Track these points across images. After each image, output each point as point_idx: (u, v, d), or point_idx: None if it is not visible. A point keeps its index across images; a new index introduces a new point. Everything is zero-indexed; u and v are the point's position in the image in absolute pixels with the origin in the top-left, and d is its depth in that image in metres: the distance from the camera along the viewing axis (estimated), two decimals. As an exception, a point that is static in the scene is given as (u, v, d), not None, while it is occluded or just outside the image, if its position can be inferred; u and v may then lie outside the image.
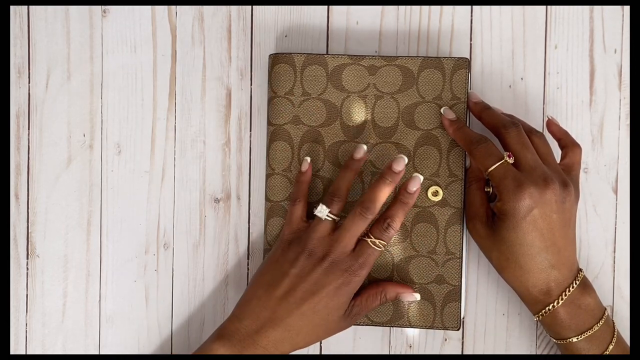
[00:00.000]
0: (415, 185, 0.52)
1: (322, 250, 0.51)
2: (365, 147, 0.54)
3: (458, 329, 0.54)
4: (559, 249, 0.50)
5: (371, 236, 0.51)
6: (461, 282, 0.55)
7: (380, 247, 0.51)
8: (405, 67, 0.55)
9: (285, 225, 0.54)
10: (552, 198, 0.49)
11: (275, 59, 0.55)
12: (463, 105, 0.54)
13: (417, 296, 0.54)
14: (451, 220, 0.55)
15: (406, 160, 0.52)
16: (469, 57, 0.58)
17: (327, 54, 0.57)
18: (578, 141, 0.57)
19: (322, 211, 0.52)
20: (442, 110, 0.54)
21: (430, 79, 0.55)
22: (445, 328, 0.55)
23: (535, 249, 0.49)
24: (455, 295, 0.54)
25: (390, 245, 0.55)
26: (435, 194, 0.55)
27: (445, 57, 0.55)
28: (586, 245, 0.57)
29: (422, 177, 0.52)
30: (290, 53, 0.55)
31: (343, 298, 0.51)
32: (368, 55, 0.55)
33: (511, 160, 0.50)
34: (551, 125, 0.54)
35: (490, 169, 0.50)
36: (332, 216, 0.52)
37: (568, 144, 0.54)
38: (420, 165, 0.55)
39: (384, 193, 0.51)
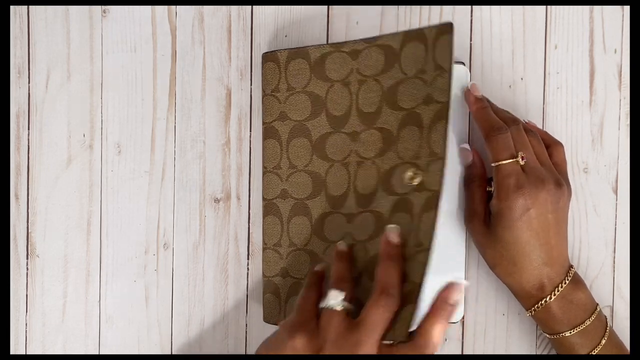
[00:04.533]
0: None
1: (341, 353, 0.45)
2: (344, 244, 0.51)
3: (407, 342, 0.46)
4: (552, 247, 0.51)
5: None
6: (423, 281, 0.46)
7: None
8: (387, 46, 0.52)
9: (296, 313, 0.49)
10: (548, 198, 0.50)
11: (264, 58, 0.56)
12: (448, 76, 0.48)
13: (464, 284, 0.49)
14: (426, 205, 0.48)
15: (399, 229, 0.48)
16: (470, 53, 0.57)
17: (309, 45, 0.56)
18: (578, 141, 0.57)
19: (335, 298, 0.47)
20: (468, 85, 0.54)
21: (413, 53, 0.50)
22: (393, 339, 0.46)
23: (530, 247, 0.51)
24: (412, 295, 0.46)
25: (367, 241, 0.51)
26: (414, 177, 0.50)
27: (427, 26, 0.50)
28: (586, 245, 0.58)
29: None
30: (275, 50, 0.55)
31: None
32: (350, 41, 0.54)
33: (523, 162, 0.51)
34: (531, 126, 0.55)
35: (499, 162, 0.51)
36: (346, 304, 0.47)
37: (551, 143, 0.55)
38: (403, 148, 0.51)
39: (396, 274, 0.47)
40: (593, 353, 0.51)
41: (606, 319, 0.53)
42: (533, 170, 0.51)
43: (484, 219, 0.53)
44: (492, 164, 0.52)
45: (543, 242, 0.51)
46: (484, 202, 0.54)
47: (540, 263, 0.51)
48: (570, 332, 0.51)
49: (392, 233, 0.48)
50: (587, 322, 0.51)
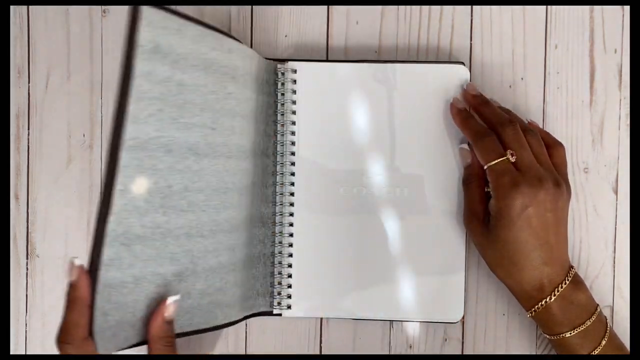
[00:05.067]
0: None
1: None
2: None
3: None
4: (552, 246, 0.51)
5: None
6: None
7: None
8: None
9: None
10: (546, 197, 0.51)
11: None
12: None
13: (175, 298, 0.48)
14: None
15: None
16: (470, 53, 0.57)
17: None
18: (578, 141, 0.57)
19: None
20: (452, 99, 0.56)
21: None
22: None
23: (530, 247, 0.51)
24: None
25: None
26: None
27: None
28: (586, 245, 0.58)
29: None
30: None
31: None
32: None
33: (513, 159, 0.51)
34: (533, 126, 0.56)
35: (490, 164, 0.52)
36: None
37: (551, 143, 0.55)
38: None
39: None
40: (593, 354, 0.51)
41: (606, 319, 0.53)
42: (530, 169, 0.51)
43: (483, 219, 0.54)
44: (485, 168, 0.52)
45: (542, 242, 0.51)
46: (483, 202, 0.54)
47: (539, 263, 0.51)
48: (570, 333, 0.52)
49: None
50: (588, 323, 0.52)
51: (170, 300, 0.47)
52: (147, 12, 0.43)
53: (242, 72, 0.52)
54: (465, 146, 0.56)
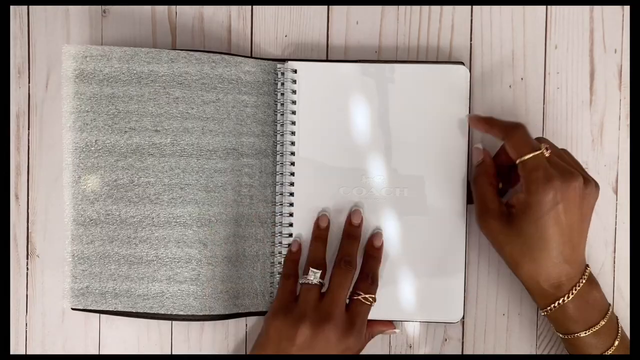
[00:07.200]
0: (379, 241, 0.56)
1: (319, 317, 0.52)
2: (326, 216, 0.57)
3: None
4: (574, 244, 0.51)
5: (361, 293, 0.54)
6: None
7: (370, 302, 0.54)
8: None
9: (276, 300, 0.55)
10: (576, 194, 0.50)
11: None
12: None
13: (397, 331, 0.57)
14: None
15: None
16: (470, 53, 0.57)
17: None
18: (578, 141, 0.57)
19: (314, 275, 0.54)
20: (468, 118, 0.56)
21: None
22: None
23: (554, 244, 0.50)
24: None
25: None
26: None
27: None
28: (586, 245, 0.57)
29: (382, 233, 0.57)
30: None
31: None
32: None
33: (547, 154, 0.50)
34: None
35: (524, 158, 0.50)
36: (321, 280, 0.54)
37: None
38: None
39: (355, 248, 0.56)
40: (607, 354, 0.51)
41: (617, 319, 0.53)
42: (559, 163, 0.50)
43: (499, 215, 0.52)
44: (517, 162, 0.51)
45: (566, 240, 0.50)
46: (496, 198, 0.53)
47: (561, 260, 0.50)
48: (585, 333, 0.51)
49: (355, 215, 0.56)
50: (602, 323, 0.51)
51: (389, 331, 0.57)
52: (67, 49, 0.54)
53: (196, 77, 0.55)
54: (480, 146, 0.55)
